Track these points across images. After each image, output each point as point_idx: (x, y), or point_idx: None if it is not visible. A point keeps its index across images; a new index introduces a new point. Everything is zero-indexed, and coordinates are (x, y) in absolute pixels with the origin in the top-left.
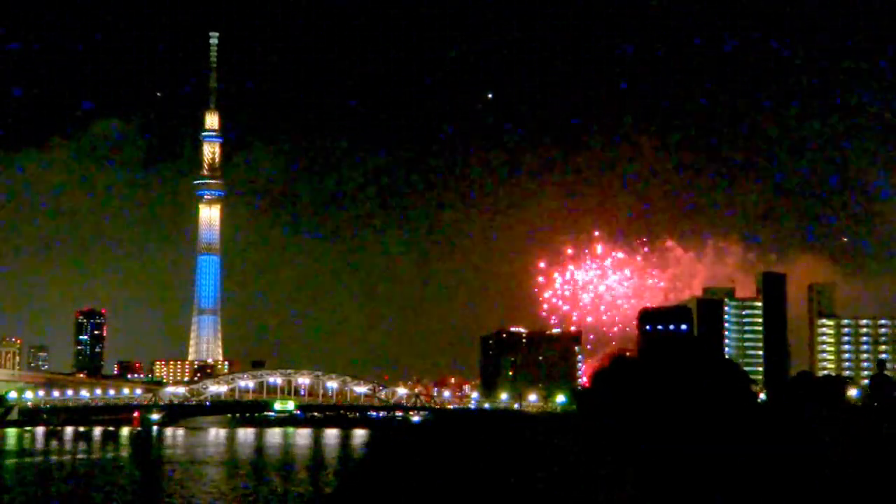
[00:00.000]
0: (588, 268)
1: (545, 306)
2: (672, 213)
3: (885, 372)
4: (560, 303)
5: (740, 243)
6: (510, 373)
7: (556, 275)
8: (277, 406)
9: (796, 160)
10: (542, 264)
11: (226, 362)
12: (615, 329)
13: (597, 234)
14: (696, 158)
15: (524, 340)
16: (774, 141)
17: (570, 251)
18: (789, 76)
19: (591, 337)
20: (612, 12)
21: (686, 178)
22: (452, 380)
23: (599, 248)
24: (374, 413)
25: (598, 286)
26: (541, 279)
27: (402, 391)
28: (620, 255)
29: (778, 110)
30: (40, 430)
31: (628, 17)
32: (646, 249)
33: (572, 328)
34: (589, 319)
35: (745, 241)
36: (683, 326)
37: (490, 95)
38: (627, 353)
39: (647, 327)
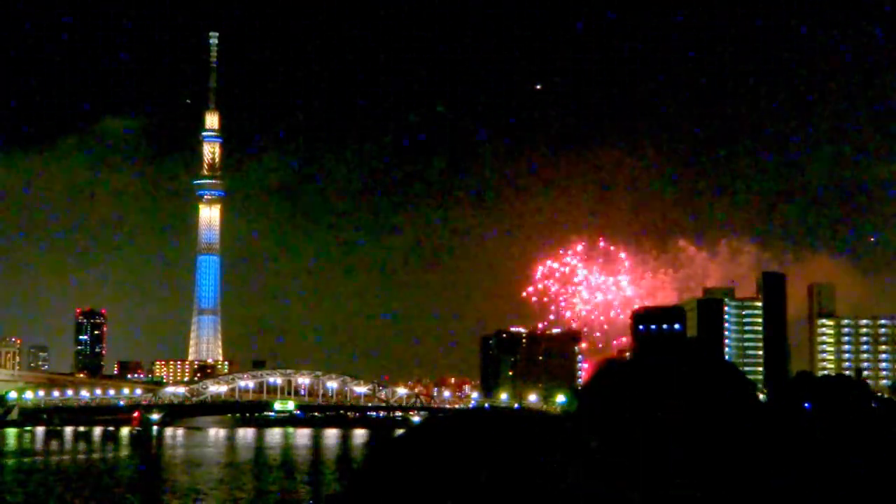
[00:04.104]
0: (596, 267)
1: (550, 306)
2: (685, 213)
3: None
4: (563, 303)
5: (753, 243)
6: (510, 373)
7: (546, 275)
8: (277, 406)
9: (802, 160)
10: (552, 264)
11: (226, 362)
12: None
13: (604, 233)
14: (706, 158)
15: (524, 340)
16: (781, 141)
17: (578, 249)
18: (797, 77)
19: (598, 335)
20: (621, 13)
21: (697, 178)
22: (452, 380)
23: (600, 246)
24: (374, 413)
25: (608, 286)
26: (540, 279)
27: (402, 391)
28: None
29: (786, 110)
30: (40, 430)
31: (639, 17)
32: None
33: (583, 328)
34: (591, 318)
35: (754, 242)
36: (677, 326)
37: (538, 86)
38: (627, 355)
39: (641, 328)
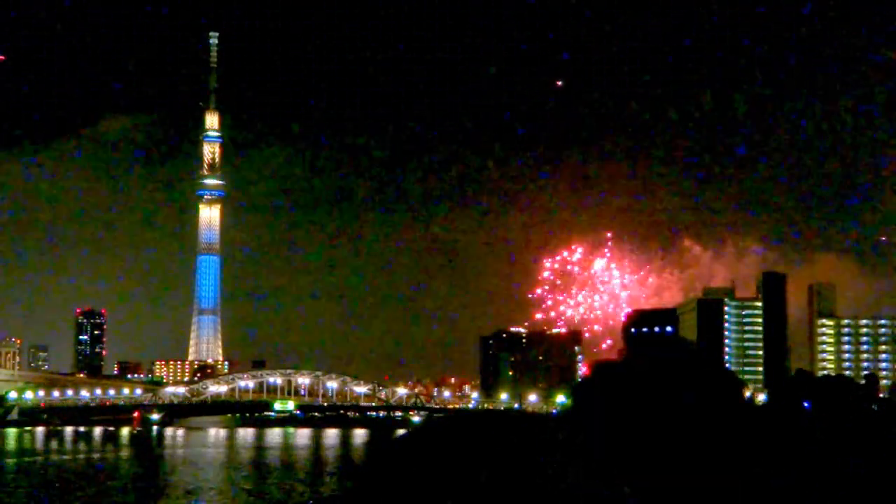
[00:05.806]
0: (599, 267)
1: (549, 307)
2: (690, 213)
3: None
4: (564, 303)
5: (759, 243)
6: (510, 373)
7: (547, 275)
8: (277, 406)
9: (803, 160)
10: (554, 264)
11: (226, 362)
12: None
13: (608, 233)
14: (711, 158)
15: (524, 340)
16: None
17: (580, 250)
18: (800, 78)
19: (600, 334)
20: (626, 14)
21: (703, 179)
22: (452, 380)
23: (605, 246)
24: (374, 413)
25: (614, 287)
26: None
27: (402, 391)
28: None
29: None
30: (40, 430)
31: (639, 17)
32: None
33: (583, 328)
34: (592, 318)
35: (759, 242)
36: (669, 329)
37: (560, 83)
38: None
39: (633, 330)
